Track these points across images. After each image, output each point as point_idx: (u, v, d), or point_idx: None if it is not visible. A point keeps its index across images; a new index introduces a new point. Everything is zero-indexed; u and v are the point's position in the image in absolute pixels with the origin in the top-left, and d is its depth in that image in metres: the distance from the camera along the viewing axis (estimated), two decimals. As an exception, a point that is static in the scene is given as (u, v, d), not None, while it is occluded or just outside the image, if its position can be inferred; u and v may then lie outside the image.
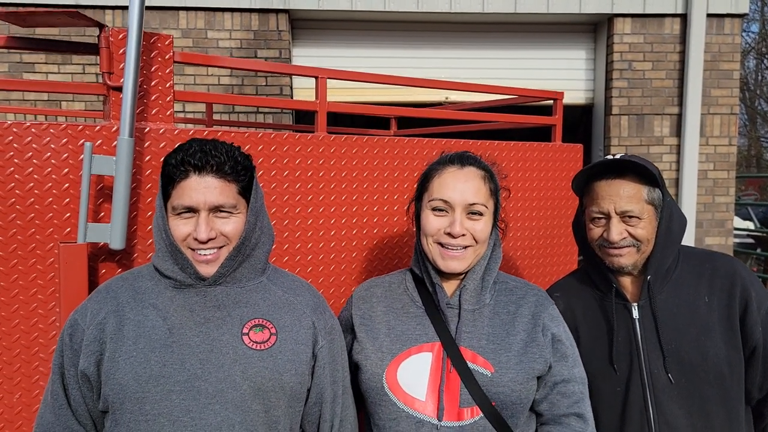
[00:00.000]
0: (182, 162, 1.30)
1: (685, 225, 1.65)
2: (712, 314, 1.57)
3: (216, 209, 1.32)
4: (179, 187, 1.31)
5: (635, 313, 1.62)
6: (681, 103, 5.49)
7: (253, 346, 1.34)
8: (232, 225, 1.34)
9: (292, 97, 5.52)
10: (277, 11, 5.28)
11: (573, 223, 1.77)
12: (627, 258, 1.59)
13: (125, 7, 5.15)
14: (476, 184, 1.48)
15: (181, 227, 1.32)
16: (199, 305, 1.35)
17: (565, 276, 1.87)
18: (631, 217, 1.56)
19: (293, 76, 5.47)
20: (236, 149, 1.37)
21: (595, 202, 1.61)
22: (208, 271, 1.34)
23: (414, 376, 1.44)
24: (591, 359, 1.65)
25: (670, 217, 1.59)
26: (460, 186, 1.46)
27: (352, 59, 5.62)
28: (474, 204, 1.46)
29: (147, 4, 5.11)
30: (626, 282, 1.67)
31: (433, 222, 1.48)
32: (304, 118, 6.42)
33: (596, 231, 1.63)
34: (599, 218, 1.61)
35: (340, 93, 5.44)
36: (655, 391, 1.57)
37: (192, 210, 1.31)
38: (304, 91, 5.60)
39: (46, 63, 5.34)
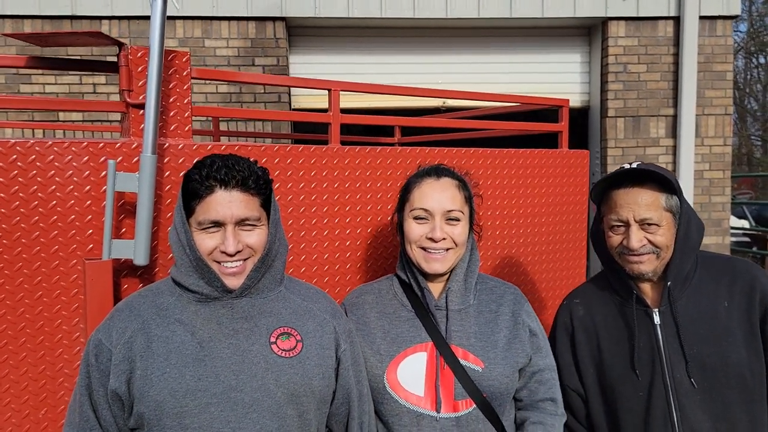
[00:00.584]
0: (207, 177, 1.32)
1: (702, 230, 1.67)
2: (732, 319, 1.60)
3: (241, 222, 1.35)
4: (205, 202, 1.33)
5: (656, 319, 1.65)
6: (676, 104, 5.56)
7: (282, 354, 1.38)
8: (256, 237, 1.38)
9: (290, 104, 5.54)
10: (274, 19, 5.30)
11: (591, 232, 1.80)
12: (647, 265, 1.62)
13: (123, 17, 5.16)
14: (452, 192, 1.63)
15: (207, 241, 1.34)
16: (226, 317, 1.37)
17: (585, 282, 1.89)
18: (650, 224, 1.59)
19: (292, 84, 5.50)
20: (254, 163, 1.40)
21: (614, 211, 1.64)
22: (234, 283, 1.37)
23: (412, 374, 1.56)
24: (612, 365, 1.68)
25: (688, 224, 1.62)
26: (438, 195, 1.61)
27: (350, 65, 5.65)
28: (451, 210, 1.60)
29: (142, 13, 5.13)
30: (646, 288, 1.70)
31: (416, 229, 1.61)
32: (301, 125, 6.44)
33: (616, 239, 1.66)
34: (618, 226, 1.64)
35: (343, 98, 5.46)
36: (678, 396, 1.59)
37: (218, 224, 1.34)
38: (301, 98, 5.62)
39: (43, 74, 5.33)
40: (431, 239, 1.59)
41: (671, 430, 1.59)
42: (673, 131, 5.59)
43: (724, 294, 1.63)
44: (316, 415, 1.42)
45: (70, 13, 5.10)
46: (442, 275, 1.63)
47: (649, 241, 1.60)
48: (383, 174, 2.12)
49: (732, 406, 1.58)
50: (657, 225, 1.59)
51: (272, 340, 1.38)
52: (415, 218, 1.62)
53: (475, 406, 1.54)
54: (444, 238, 1.59)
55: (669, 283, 1.64)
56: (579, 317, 1.78)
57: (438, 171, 1.67)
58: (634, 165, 1.61)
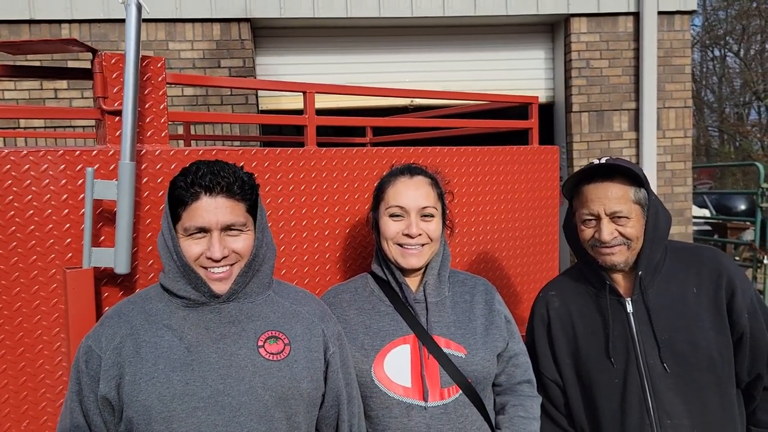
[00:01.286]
0: (192, 184, 1.33)
1: (670, 221, 1.75)
2: (701, 304, 1.68)
3: (227, 228, 1.36)
4: (191, 209, 1.34)
5: (629, 308, 1.72)
6: (638, 98, 5.71)
7: (270, 357, 1.39)
8: (242, 242, 1.39)
9: (257, 105, 5.51)
10: (239, 20, 5.26)
11: (564, 226, 1.86)
12: (618, 256, 1.68)
13: (83, 21, 5.05)
14: (426, 190, 1.69)
15: (193, 247, 1.35)
16: (214, 322, 1.38)
17: (560, 274, 1.95)
18: (620, 217, 1.65)
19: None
20: (240, 169, 1.41)
21: (586, 205, 1.70)
22: (221, 288, 1.38)
23: (398, 366, 1.61)
24: (589, 354, 1.74)
25: (656, 215, 1.69)
26: (412, 193, 1.67)
27: (317, 65, 5.65)
28: (426, 207, 1.67)
29: (102, 17, 5.04)
30: (619, 278, 1.76)
31: (392, 226, 1.67)
32: (268, 127, 6.40)
33: (588, 232, 1.72)
34: (590, 220, 1.70)
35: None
36: (652, 381, 1.66)
37: (204, 230, 1.35)
38: (268, 99, 5.60)
39: (0, 80, 5.18)
40: (408, 235, 1.64)
41: (646, 413, 1.66)
42: (636, 124, 5.75)
43: (693, 281, 1.71)
44: (305, 418, 1.43)
45: (28, 18, 4.97)
46: (418, 270, 1.69)
47: (620, 233, 1.67)
48: (359, 174, 2.14)
49: (703, 388, 1.65)
50: (627, 217, 1.65)
51: (260, 343, 1.39)
52: (391, 216, 1.67)
53: (461, 392, 1.60)
54: (420, 234, 1.64)
55: (640, 273, 1.70)
56: (555, 308, 1.84)
57: (411, 170, 1.72)
58: (603, 160, 1.68)
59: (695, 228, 7.87)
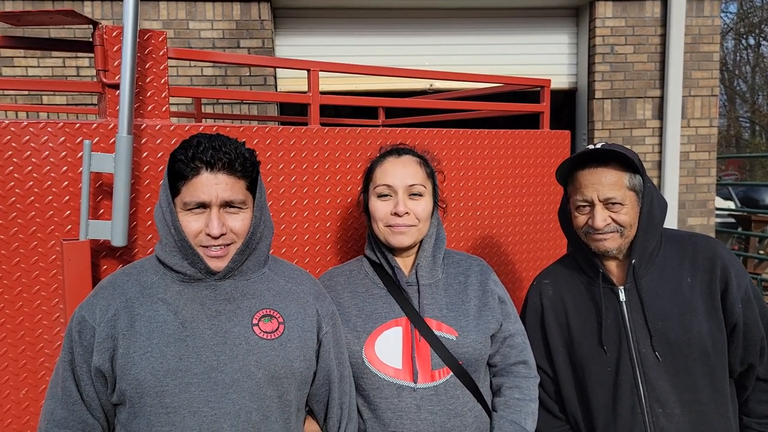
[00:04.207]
0: (193, 158, 1.32)
1: (665, 209, 1.71)
2: (695, 294, 1.64)
3: (226, 205, 1.35)
4: (191, 184, 1.33)
5: (622, 296, 1.69)
6: (663, 85, 5.57)
7: (264, 336, 1.38)
8: (240, 221, 1.37)
9: (276, 86, 5.51)
10: (258, 0, 5.25)
11: (559, 212, 1.83)
12: (611, 242, 1.65)
13: (105, -1, 5.09)
14: (413, 168, 1.67)
15: (192, 223, 1.34)
16: (209, 299, 1.38)
17: (553, 263, 1.92)
18: (614, 203, 1.62)
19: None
20: (242, 145, 1.39)
21: (579, 191, 1.66)
22: (218, 265, 1.37)
23: (388, 348, 1.61)
24: (581, 341, 1.72)
25: (651, 202, 1.65)
26: (400, 171, 1.65)
27: (335, 47, 5.61)
28: (413, 185, 1.64)
29: (127, -6, 5.07)
30: (612, 266, 1.73)
31: (380, 207, 1.66)
32: (288, 107, 6.41)
33: (581, 218, 1.68)
34: (584, 206, 1.67)
35: (327, 82, 5.44)
36: (644, 369, 1.64)
37: (203, 206, 1.34)
38: (287, 80, 5.59)
39: (25, 57, 5.26)
40: (396, 214, 1.63)
41: (638, 401, 1.64)
42: (660, 113, 5.61)
43: (688, 270, 1.67)
44: (296, 396, 1.43)
45: (50, -5, 5.03)
46: (409, 248, 1.68)
47: (613, 220, 1.63)
48: (363, 155, 2.12)
49: (695, 378, 1.62)
50: (620, 204, 1.62)
51: (254, 322, 1.39)
52: (379, 196, 1.66)
53: (452, 373, 1.59)
54: (407, 213, 1.63)
55: (633, 261, 1.67)
56: (548, 297, 1.82)
57: (398, 150, 1.71)
58: (599, 146, 1.64)
59: (718, 220, 7.69)
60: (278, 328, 1.41)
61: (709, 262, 1.65)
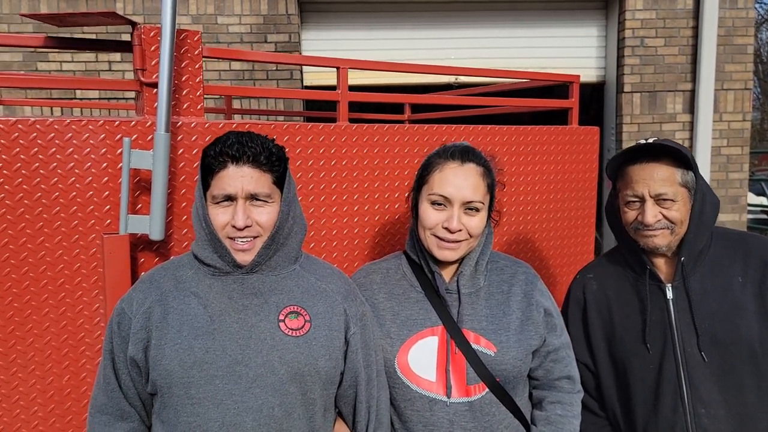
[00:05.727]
0: (220, 153, 1.36)
1: (717, 206, 1.68)
2: (746, 294, 1.61)
3: (252, 198, 1.38)
4: (218, 177, 1.37)
5: (669, 294, 1.67)
6: (694, 79, 5.47)
7: (289, 333, 1.40)
8: (266, 215, 1.40)
9: (302, 80, 5.56)
10: (286, -5, 5.29)
11: (606, 208, 1.81)
12: (661, 238, 1.63)
13: (136, -6, 5.18)
14: (475, 181, 1.53)
15: (220, 216, 1.38)
16: (237, 292, 1.41)
17: (599, 257, 1.91)
18: (665, 199, 1.60)
19: (305, 60, 5.52)
20: (270, 141, 1.42)
21: (630, 186, 1.64)
22: (244, 258, 1.40)
23: (423, 359, 1.53)
24: (624, 338, 1.70)
25: (703, 199, 1.63)
26: (460, 182, 1.52)
27: (362, 41, 5.63)
28: (471, 202, 1.52)
29: (156, -9, 5.16)
30: (660, 263, 1.71)
31: (431, 216, 1.54)
32: (312, 101, 6.44)
33: (631, 214, 1.66)
34: (634, 201, 1.65)
35: (351, 76, 5.45)
36: (689, 369, 1.62)
37: (230, 198, 1.37)
38: (313, 74, 5.63)
39: (59, 52, 5.39)
40: (447, 228, 1.52)
41: (680, 401, 1.62)
42: (691, 107, 5.52)
43: (739, 269, 1.64)
44: (321, 395, 1.43)
45: (82, -8, 5.13)
46: (453, 261, 1.59)
47: (664, 216, 1.61)
48: (391, 151, 2.15)
49: (742, 379, 1.60)
50: (672, 200, 1.60)
51: (281, 318, 1.41)
52: (433, 203, 1.55)
53: (488, 389, 1.52)
54: (460, 230, 1.52)
55: (683, 259, 1.65)
56: (592, 291, 1.80)
57: (463, 154, 1.56)
58: (651, 140, 1.62)
59: (750, 216, 7.53)
60: (304, 325, 1.42)
61: (761, 263, 1.63)
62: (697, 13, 5.44)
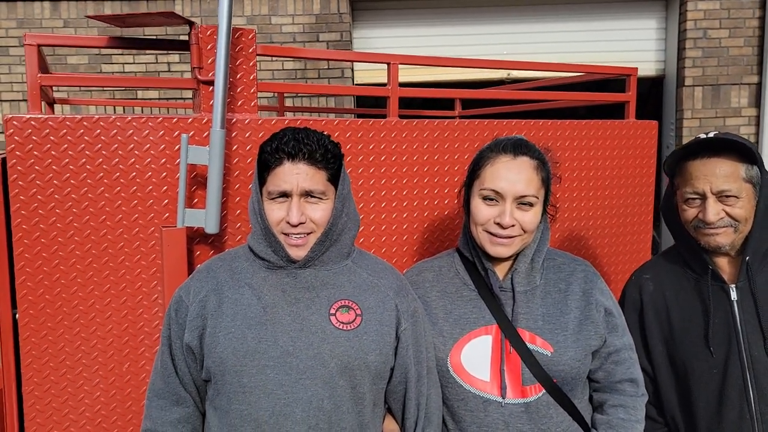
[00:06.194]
0: (277, 150, 1.38)
1: None
2: None
3: (306, 194, 1.40)
4: (274, 174, 1.40)
5: (734, 295, 1.60)
6: (761, 71, 5.22)
7: (340, 326, 1.41)
8: (320, 212, 1.41)
9: (353, 78, 5.60)
10: (338, -6, 5.35)
11: (662, 205, 1.75)
12: (724, 237, 1.56)
13: (194, -3, 5.35)
14: (528, 175, 1.49)
15: (275, 211, 1.41)
16: (290, 286, 1.44)
17: (655, 257, 1.84)
18: (728, 196, 1.53)
19: (356, 58, 5.57)
20: (326, 137, 1.43)
21: (690, 183, 1.58)
22: (298, 254, 1.42)
23: (476, 358, 1.50)
24: (684, 341, 1.64)
25: None
26: (513, 177, 1.48)
27: (413, 38, 5.63)
28: (525, 196, 1.48)
29: (212, -8, 5.30)
30: (723, 263, 1.64)
31: (483, 211, 1.50)
32: (362, 98, 6.48)
33: (691, 212, 1.60)
34: (693, 199, 1.59)
35: (402, 72, 5.46)
36: (755, 373, 1.55)
37: (285, 195, 1.40)
38: (363, 72, 5.67)
39: (122, 55, 5.62)
40: (499, 224, 1.48)
41: (747, 406, 1.55)
42: (757, 100, 5.27)
43: None
44: (370, 389, 1.43)
45: (143, -5, 5.33)
46: (507, 258, 1.55)
47: (727, 214, 1.54)
48: (440, 147, 2.14)
49: None
50: (736, 197, 1.53)
51: (332, 311, 1.42)
52: (484, 198, 1.51)
53: (544, 391, 1.47)
54: (513, 225, 1.48)
55: (747, 258, 1.57)
56: (649, 293, 1.74)
57: (516, 147, 1.51)
58: (711, 135, 1.55)
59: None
60: (355, 319, 1.42)
61: None
62: (763, 2, 5.19)
